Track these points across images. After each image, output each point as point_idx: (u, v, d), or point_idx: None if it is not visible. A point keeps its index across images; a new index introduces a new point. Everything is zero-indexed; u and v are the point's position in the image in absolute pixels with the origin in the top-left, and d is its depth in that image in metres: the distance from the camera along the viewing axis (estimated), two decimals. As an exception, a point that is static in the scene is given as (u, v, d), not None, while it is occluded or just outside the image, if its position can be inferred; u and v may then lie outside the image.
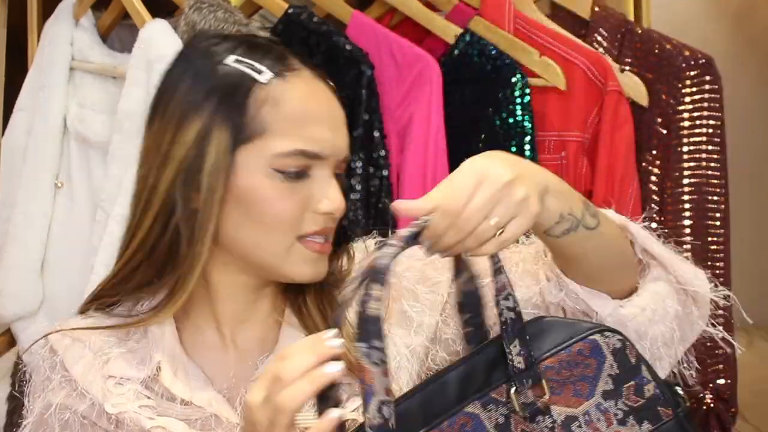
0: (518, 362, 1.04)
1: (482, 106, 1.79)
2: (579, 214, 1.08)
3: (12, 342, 2.02)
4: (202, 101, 1.15)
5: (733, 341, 1.30)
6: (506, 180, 0.99)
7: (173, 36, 1.73)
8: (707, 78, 1.84)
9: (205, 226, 1.14)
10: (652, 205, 1.84)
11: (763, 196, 2.78)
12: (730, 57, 2.37)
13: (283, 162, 1.14)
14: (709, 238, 1.85)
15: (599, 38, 1.93)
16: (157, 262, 1.18)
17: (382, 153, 1.76)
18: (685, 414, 1.10)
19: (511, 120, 1.77)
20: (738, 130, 2.05)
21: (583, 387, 1.07)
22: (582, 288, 1.14)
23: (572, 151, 1.82)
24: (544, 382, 1.05)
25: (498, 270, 1.04)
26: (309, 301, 1.22)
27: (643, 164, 1.87)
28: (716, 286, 1.20)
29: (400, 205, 1.01)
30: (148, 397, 1.16)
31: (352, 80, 1.74)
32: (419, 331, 1.20)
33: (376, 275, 0.95)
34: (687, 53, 1.85)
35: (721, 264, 1.85)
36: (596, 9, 1.94)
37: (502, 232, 1.00)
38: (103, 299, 1.24)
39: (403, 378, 1.17)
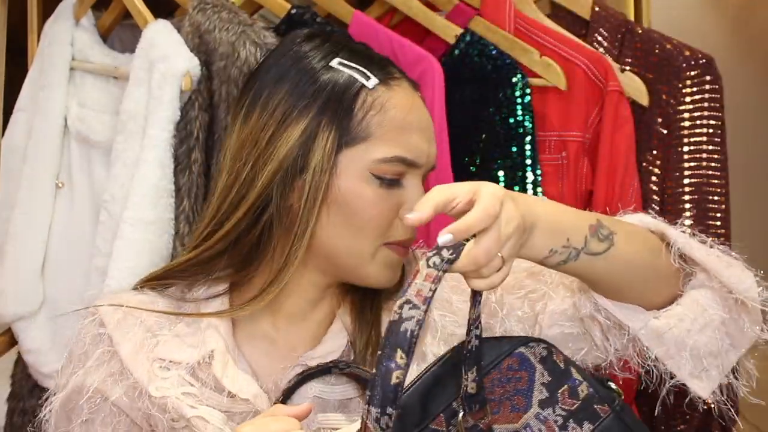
0: (471, 388, 1.04)
1: (483, 106, 1.79)
2: (579, 244, 1.06)
3: (12, 342, 2.01)
4: (308, 101, 1.17)
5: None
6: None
7: (176, 36, 1.72)
8: (707, 78, 1.84)
9: (305, 225, 1.16)
10: (653, 205, 1.84)
11: (764, 196, 2.78)
12: (730, 57, 2.37)
13: (382, 168, 1.17)
14: (710, 238, 1.84)
15: (599, 38, 1.93)
16: (240, 254, 1.20)
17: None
18: (621, 407, 1.09)
19: (511, 120, 1.77)
20: (738, 130, 2.05)
21: (519, 401, 1.08)
22: (611, 302, 1.13)
23: (573, 151, 1.82)
24: (488, 405, 1.05)
25: (477, 302, 1.03)
26: (365, 304, 1.24)
27: (644, 164, 1.87)
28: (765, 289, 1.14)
29: (410, 216, 0.99)
30: (192, 385, 1.17)
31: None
32: (451, 341, 1.21)
33: (401, 342, 0.90)
34: (687, 53, 1.85)
35: (722, 264, 1.85)
36: (596, 9, 1.94)
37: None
38: (168, 280, 1.25)
39: None
